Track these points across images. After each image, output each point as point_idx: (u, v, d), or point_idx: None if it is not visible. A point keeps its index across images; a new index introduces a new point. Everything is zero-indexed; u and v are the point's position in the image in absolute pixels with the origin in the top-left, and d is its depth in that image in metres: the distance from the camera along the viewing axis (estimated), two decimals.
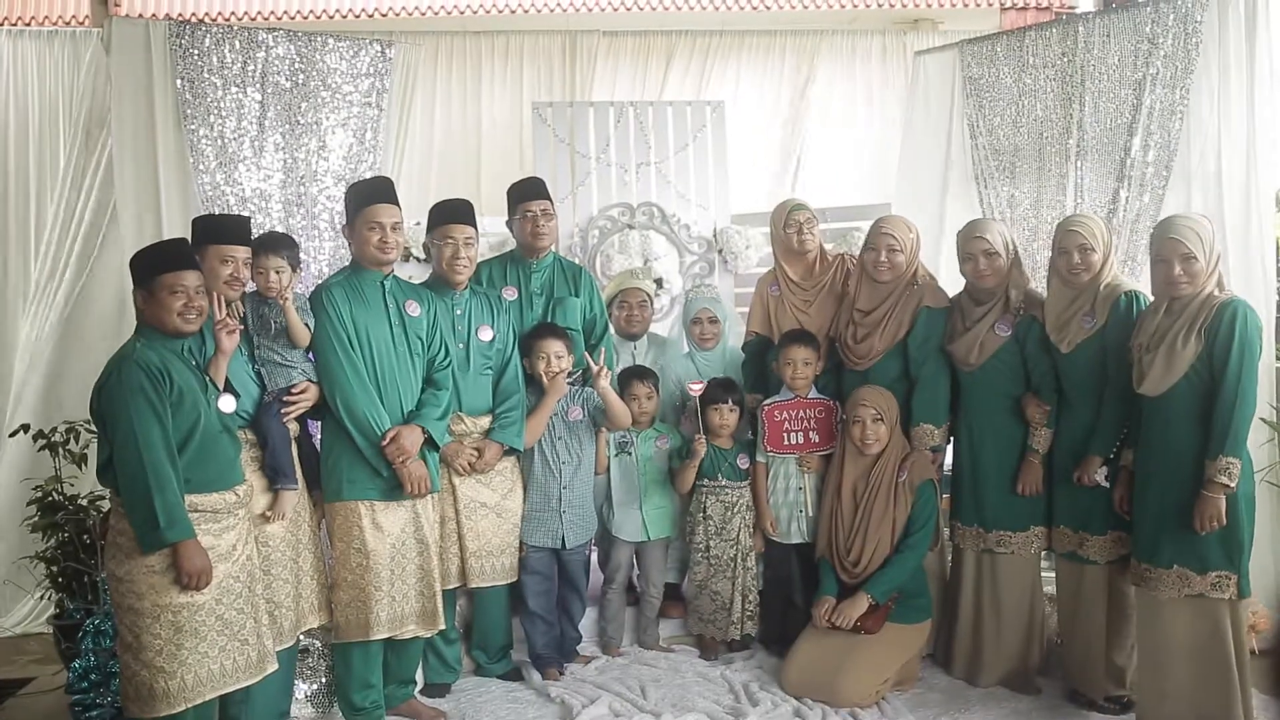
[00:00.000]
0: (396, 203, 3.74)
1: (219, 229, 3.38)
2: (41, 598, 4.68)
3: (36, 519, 4.42)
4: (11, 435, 4.85)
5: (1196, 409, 3.34)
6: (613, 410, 4.11)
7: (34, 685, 4.41)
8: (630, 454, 4.37)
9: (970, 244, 3.95)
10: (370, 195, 3.71)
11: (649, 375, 4.40)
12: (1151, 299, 3.55)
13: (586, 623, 4.47)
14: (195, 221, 3.43)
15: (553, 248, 4.43)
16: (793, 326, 4.38)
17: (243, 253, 3.37)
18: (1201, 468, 3.30)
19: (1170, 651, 3.41)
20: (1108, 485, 3.67)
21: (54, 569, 4.39)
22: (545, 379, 4.06)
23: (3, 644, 5.02)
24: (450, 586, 3.99)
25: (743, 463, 4.31)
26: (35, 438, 4.52)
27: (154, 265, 3.02)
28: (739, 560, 4.28)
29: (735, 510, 4.30)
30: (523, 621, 4.26)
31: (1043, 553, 4.01)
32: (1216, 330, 3.30)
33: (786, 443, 4.24)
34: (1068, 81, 4.88)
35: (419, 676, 4.02)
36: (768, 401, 4.28)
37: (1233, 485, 3.26)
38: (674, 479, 4.37)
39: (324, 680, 3.86)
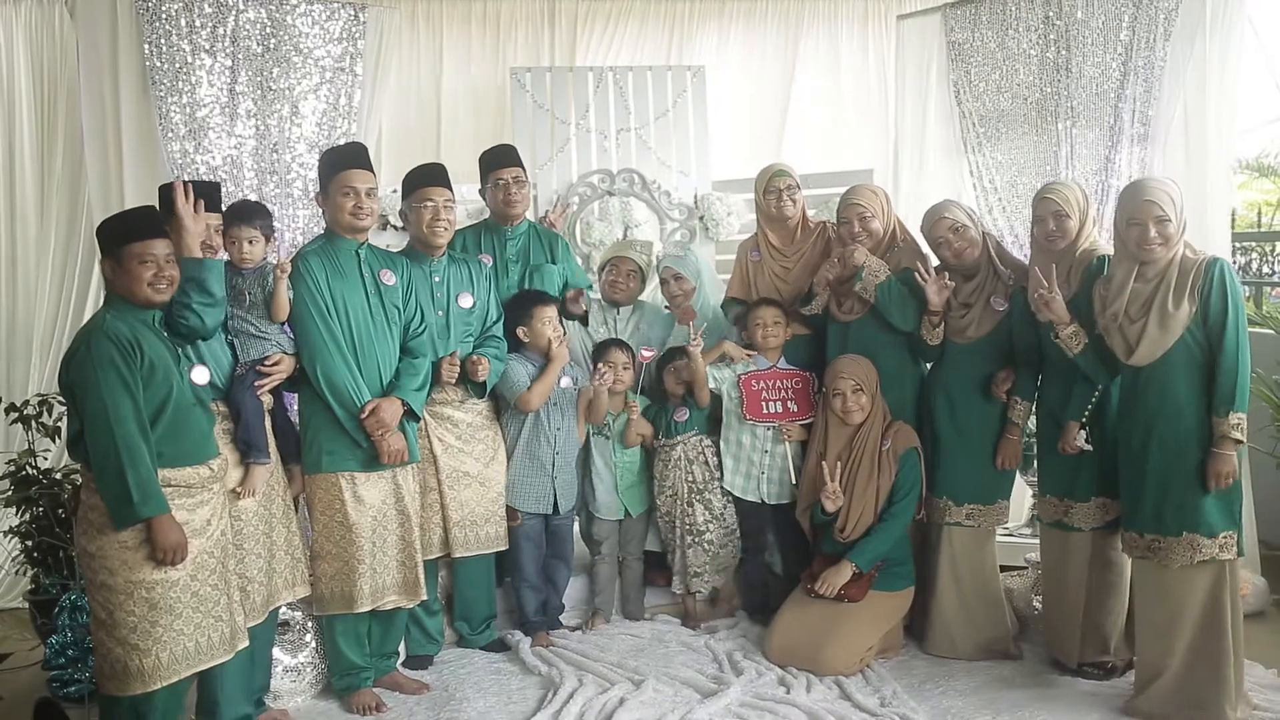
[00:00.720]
0: (370, 168, 3.68)
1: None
2: (17, 572, 4.60)
3: (10, 493, 4.35)
4: None
5: (1194, 372, 3.31)
6: (596, 407, 4.23)
7: (10, 661, 4.35)
8: (606, 436, 4.37)
9: (937, 227, 3.91)
10: (343, 161, 3.65)
11: (627, 346, 4.39)
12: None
13: (570, 592, 4.45)
14: (162, 189, 3.34)
15: (528, 215, 4.39)
16: (769, 293, 4.37)
17: (214, 220, 3.30)
18: (1204, 430, 3.29)
19: (1182, 619, 3.37)
20: (1090, 448, 3.64)
21: (29, 544, 4.32)
22: (554, 343, 4.09)
23: None
24: (432, 556, 3.97)
25: (680, 415, 4.32)
26: (7, 411, 4.43)
27: (121, 234, 2.93)
28: (676, 513, 4.31)
29: (670, 464, 4.32)
30: (516, 588, 4.27)
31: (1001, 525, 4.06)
32: (1209, 290, 3.27)
33: (765, 411, 4.22)
34: (1053, 45, 4.82)
35: (401, 649, 3.99)
36: (742, 371, 4.26)
37: (1244, 440, 3.25)
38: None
39: (306, 653, 3.82)
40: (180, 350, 3.10)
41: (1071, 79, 4.75)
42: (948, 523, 3.98)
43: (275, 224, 4.51)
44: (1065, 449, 3.67)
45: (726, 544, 4.34)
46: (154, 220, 3.01)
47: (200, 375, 3.14)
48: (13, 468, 4.38)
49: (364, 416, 3.53)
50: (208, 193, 3.31)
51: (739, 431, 4.28)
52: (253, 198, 4.49)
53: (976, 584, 3.99)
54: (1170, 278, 3.31)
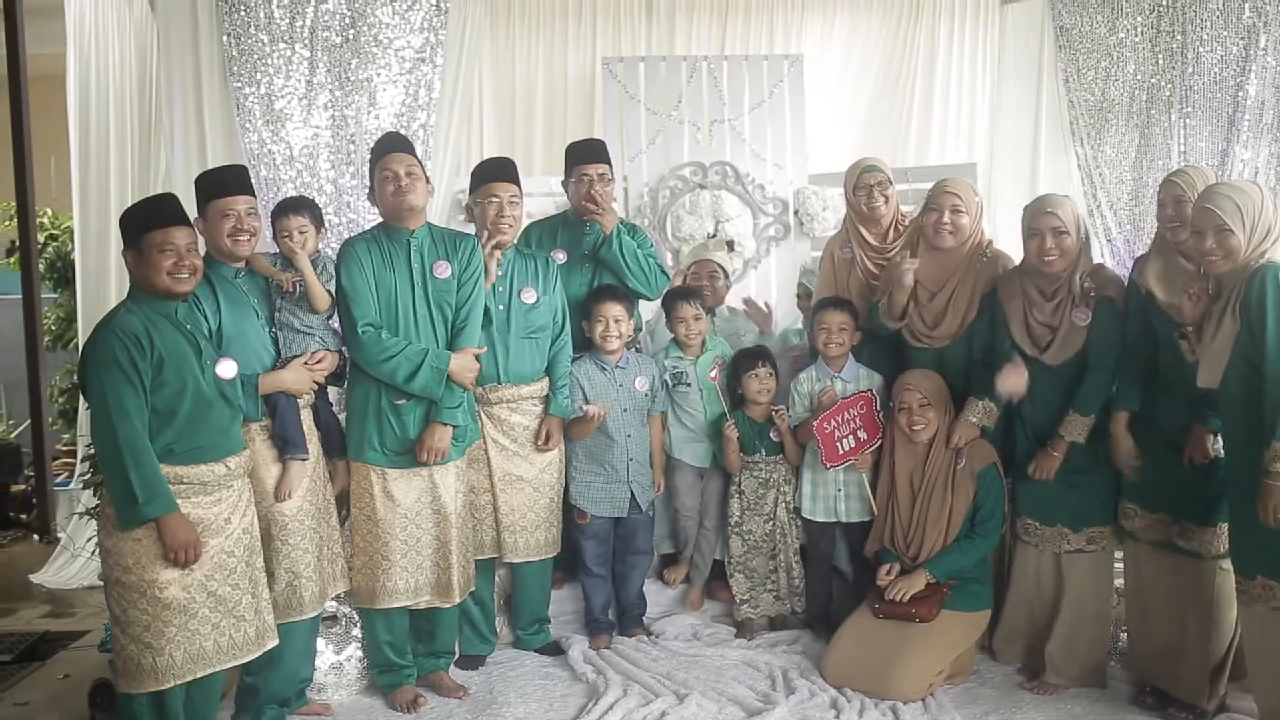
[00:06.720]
0: (411, 151, 3.64)
1: (217, 182, 3.27)
2: (91, 554, 4.72)
3: (89, 476, 4.46)
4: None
5: (1248, 399, 2.96)
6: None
7: (87, 639, 4.47)
8: (688, 385, 4.20)
9: (1038, 219, 3.57)
10: (381, 148, 3.62)
11: (694, 295, 4.24)
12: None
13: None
14: (198, 180, 3.33)
15: (617, 210, 4.28)
16: (861, 295, 4.11)
17: (244, 203, 3.26)
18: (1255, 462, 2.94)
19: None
20: (1223, 454, 3.31)
21: None
22: (601, 342, 3.99)
23: (72, 594, 5.13)
24: (484, 557, 3.90)
25: (777, 436, 4.09)
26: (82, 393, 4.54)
27: (142, 223, 2.91)
28: (776, 536, 4.11)
29: (769, 485, 4.11)
30: (582, 581, 4.19)
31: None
32: (1249, 303, 2.92)
33: (841, 451, 3.93)
34: (1167, 30, 4.48)
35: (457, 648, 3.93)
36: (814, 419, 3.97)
37: None
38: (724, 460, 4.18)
39: (352, 648, 3.80)
40: (207, 343, 3.05)
41: (1189, 66, 4.42)
42: (1066, 551, 3.66)
43: (352, 215, 4.55)
44: (1193, 458, 3.36)
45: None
46: (175, 208, 2.98)
47: (227, 370, 3.05)
48: (91, 451, 4.48)
49: (419, 452, 3.50)
50: (235, 174, 3.31)
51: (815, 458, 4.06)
52: (328, 188, 4.51)
53: (1094, 610, 3.68)
54: (1225, 294, 3.00)
